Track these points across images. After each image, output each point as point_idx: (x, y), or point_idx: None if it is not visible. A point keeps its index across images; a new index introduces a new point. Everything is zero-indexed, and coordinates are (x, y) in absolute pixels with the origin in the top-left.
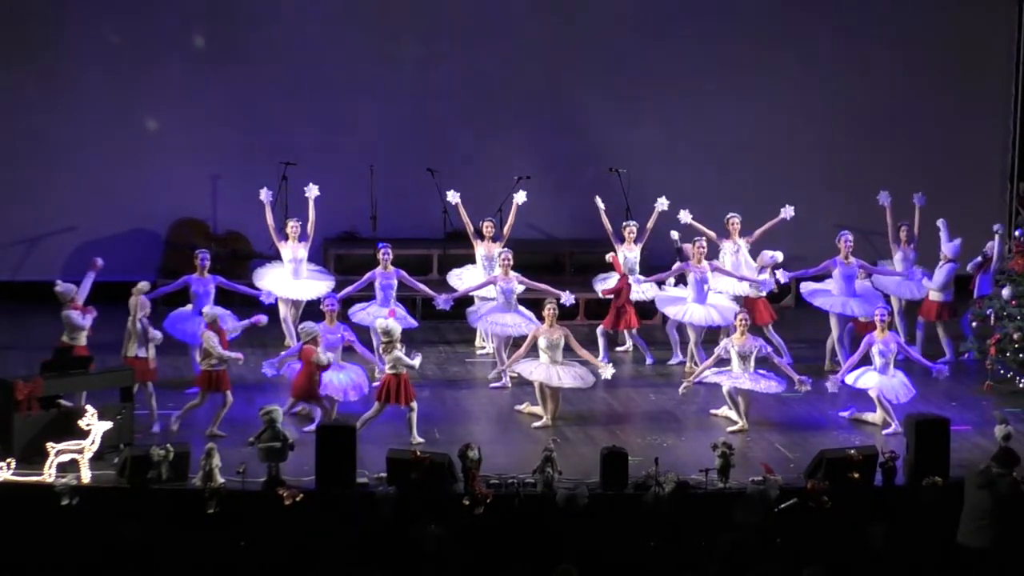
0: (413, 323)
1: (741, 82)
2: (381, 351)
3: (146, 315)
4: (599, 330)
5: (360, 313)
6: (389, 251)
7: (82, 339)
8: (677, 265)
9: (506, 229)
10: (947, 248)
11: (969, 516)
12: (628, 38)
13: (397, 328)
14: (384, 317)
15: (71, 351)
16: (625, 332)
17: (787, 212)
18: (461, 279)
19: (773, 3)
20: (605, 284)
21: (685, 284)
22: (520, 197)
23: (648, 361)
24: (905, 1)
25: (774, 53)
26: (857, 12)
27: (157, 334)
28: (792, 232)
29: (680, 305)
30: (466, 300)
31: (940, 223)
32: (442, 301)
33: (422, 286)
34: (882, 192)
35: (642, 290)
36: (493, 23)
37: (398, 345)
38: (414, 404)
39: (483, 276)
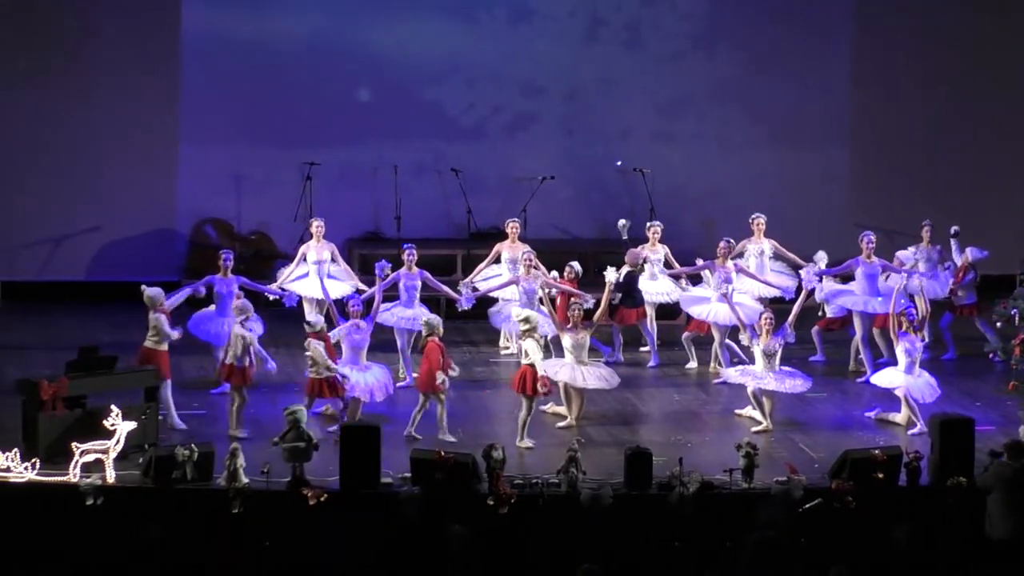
0: None
1: (764, 84)
2: (519, 339)
3: (246, 319)
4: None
5: (384, 314)
6: (414, 252)
7: (164, 345)
8: (701, 263)
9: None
10: (902, 254)
11: (1010, 510)
12: (650, 41)
13: (536, 316)
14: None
15: (153, 355)
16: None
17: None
18: (486, 280)
19: (798, 6)
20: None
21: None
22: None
23: (610, 358)
24: (931, 4)
25: (797, 53)
26: (883, 12)
27: (267, 358)
28: (813, 232)
29: (704, 305)
30: (489, 300)
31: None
32: (464, 301)
33: (445, 287)
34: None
35: (665, 291)
36: (519, 23)
37: (537, 335)
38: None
39: (508, 277)
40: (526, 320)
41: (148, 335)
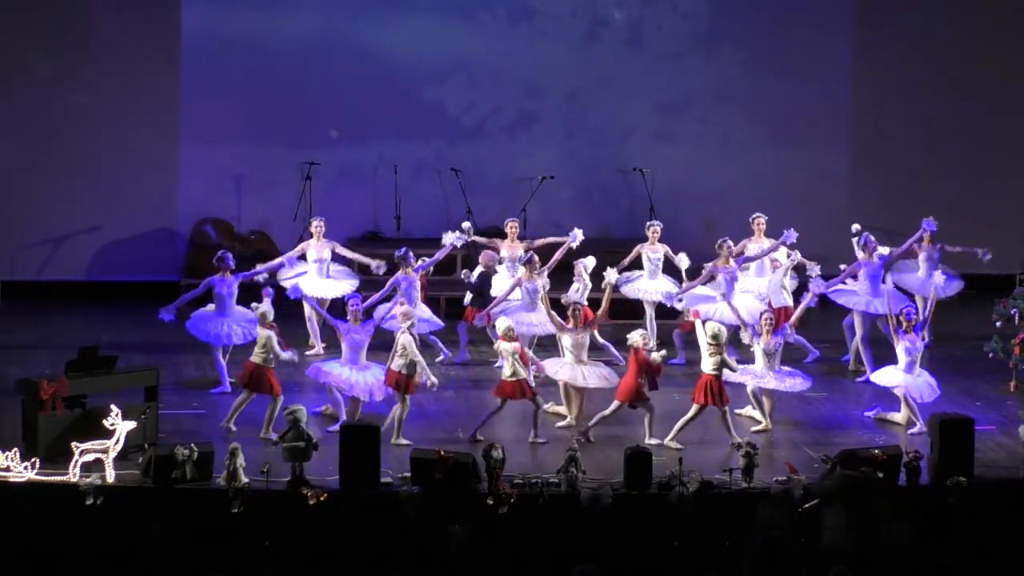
0: (439, 324)
1: (764, 84)
2: (708, 354)
3: (411, 325)
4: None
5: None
6: (409, 254)
7: (273, 363)
8: (706, 271)
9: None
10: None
11: (850, 522)
12: (651, 41)
13: (723, 333)
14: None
15: (263, 372)
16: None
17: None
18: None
19: (798, 5)
20: (633, 284)
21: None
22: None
23: (455, 358)
24: (931, 5)
25: (798, 53)
26: (883, 12)
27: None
28: (813, 232)
29: (710, 304)
30: (489, 299)
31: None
32: (468, 296)
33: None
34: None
35: (665, 291)
36: (520, 23)
37: (723, 348)
38: (726, 408)
39: (507, 278)
40: (715, 337)
41: (256, 350)
